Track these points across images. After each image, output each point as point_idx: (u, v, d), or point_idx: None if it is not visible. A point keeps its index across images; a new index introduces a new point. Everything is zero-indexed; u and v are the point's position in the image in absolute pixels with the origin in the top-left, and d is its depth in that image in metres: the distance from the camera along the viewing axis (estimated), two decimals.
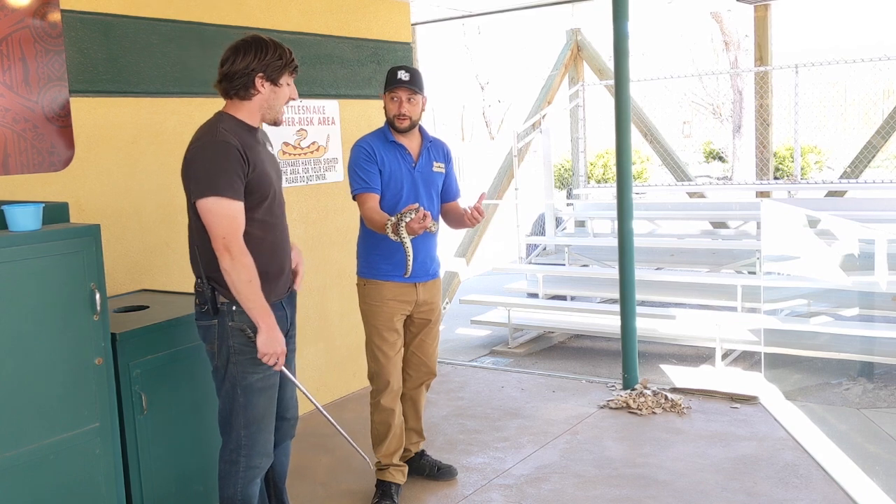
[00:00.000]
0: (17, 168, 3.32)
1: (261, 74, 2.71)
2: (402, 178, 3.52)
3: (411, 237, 3.17)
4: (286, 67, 2.77)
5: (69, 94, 3.51)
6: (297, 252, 3.02)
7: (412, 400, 3.82)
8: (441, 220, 3.71)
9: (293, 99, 2.85)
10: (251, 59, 2.69)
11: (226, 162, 2.62)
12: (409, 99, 3.49)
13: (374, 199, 3.44)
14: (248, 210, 2.69)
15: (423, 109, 3.58)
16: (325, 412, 2.96)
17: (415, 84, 3.48)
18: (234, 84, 2.72)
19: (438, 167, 3.65)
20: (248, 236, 2.68)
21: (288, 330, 2.92)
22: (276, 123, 2.86)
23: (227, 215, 2.61)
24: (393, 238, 3.18)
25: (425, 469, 3.90)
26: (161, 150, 3.97)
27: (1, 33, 3.24)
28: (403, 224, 3.12)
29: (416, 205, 3.16)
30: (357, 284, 3.67)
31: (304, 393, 2.94)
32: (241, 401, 2.76)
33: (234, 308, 2.71)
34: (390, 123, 3.54)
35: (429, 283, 3.65)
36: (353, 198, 3.51)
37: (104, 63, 3.75)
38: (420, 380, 3.79)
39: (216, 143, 2.64)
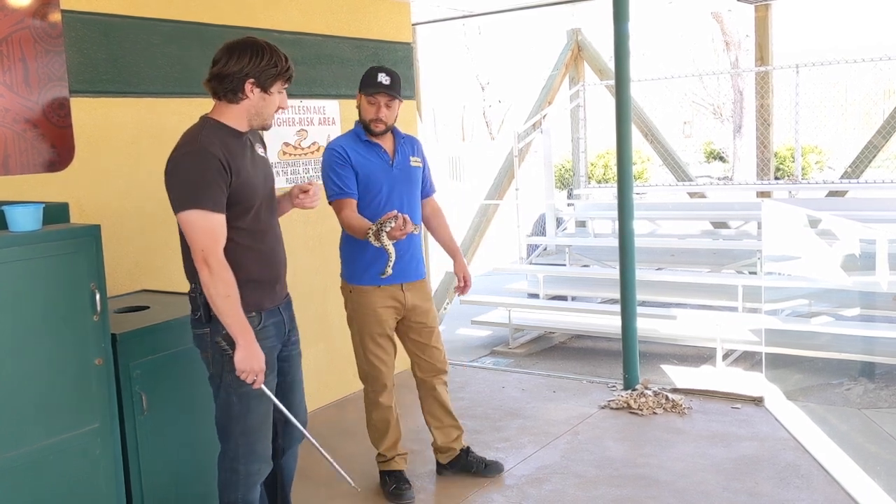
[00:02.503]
0: (17, 168, 3.31)
1: (252, 80, 2.62)
2: (380, 177, 3.47)
3: (393, 242, 3.13)
4: (280, 76, 2.67)
5: (69, 95, 3.50)
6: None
7: (438, 401, 3.77)
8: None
9: (283, 109, 2.76)
10: (245, 62, 2.60)
11: (207, 173, 2.53)
12: (388, 104, 3.43)
13: (351, 205, 3.39)
14: (231, 219, 2.60)
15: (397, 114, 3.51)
16: (311, 437, 2.89)
17: (395, 89, 3.41)
18: (224, 86, 2.64)
19: (416, 161, 3.60)
20: (234, 245, 2.61)
21: (288, 335, 2.89)
22: (265, 128, 2.80)
23: (206, 228, 2.53)
24: (375, 244, 3.13)
25: (472, 466, 3.86)
26: (162, 151, 3.90)
27: (1, 34, 3.23)
28: (384, 233, 3.08)
29: (395, 212, 3.08)
30: (342, 288, 3.66)
31: (287, 416, 2.84)
32: (237, 409, 2.71)
33: None
34: (365, 126, 3.48)
35: (415, 284, 3.61)
36: (330, 203, 3.44)
37: (104, 63, 3.74)
38: (434, 378, 3.73)
39: (197, 152, 2.56)
